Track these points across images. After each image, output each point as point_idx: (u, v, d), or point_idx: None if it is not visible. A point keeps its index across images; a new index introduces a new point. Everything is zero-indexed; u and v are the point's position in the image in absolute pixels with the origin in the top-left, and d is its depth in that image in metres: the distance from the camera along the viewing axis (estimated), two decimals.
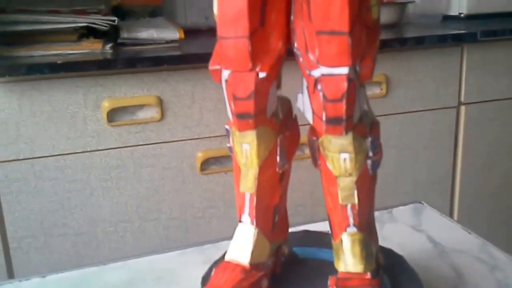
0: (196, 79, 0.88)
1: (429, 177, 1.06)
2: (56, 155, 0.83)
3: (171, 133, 0.88)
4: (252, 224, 0.32)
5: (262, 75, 0.28)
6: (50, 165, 0.83)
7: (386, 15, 1.11)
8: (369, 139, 0.30)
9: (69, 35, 0.88)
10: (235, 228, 0.33)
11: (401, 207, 0.52)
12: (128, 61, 0.81)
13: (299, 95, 0.30)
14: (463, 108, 1.04)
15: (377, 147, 0.31)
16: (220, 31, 0.28)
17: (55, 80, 0.80)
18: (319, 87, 0.28)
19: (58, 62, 0.77)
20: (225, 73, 0.29)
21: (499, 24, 1.12)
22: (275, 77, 0.29)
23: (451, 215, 1.11)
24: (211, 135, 0.91)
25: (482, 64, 1.03)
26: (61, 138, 0.83)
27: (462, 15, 1.22)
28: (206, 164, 0.91)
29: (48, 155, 0.83)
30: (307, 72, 0.28)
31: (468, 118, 1.05)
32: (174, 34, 0.95)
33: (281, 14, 0.29)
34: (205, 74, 0.88)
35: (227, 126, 0.32)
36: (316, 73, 0.28)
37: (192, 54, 0.85)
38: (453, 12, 1.23)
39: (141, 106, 0.86)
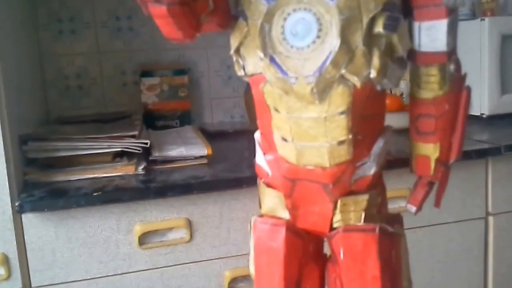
0: (224, 201, 0.90)
1: None
2: (89, 279, 0.86)
3: (199, 253, 0.90)
4: None
5: None
6: None
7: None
8: None
9: (104, 156, 0.93)
10: None
11: None
12: (159, 190, 0.84)
13: None
14: (491, 218, 1.04)
15: None
16: None
17: (90, 207, 0.84)
18: None
19: (94, 194, 0.81)
20: None
21: None
22: None
23: None
24: (239, 254, 0.92)
25: (508, 175, 1.03)
26: (94, 262, 0.86)
27: (484, 116, 1.23)
28: (234, 282, 0.92)
29: (81, 279, 0.85)
30: None
31: (497, 229, 1.04)
32: (203, 151, 0.99)
33: None
34: (232, 196, 0.90)
35: None
36: None
37: (219, 180, 0.88)
38: (475, 112, 1.25)
39: (170, 228, 0.88)
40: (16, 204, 0.79)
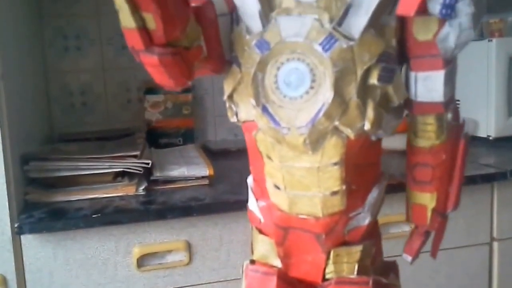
0: (224, 223, 0.89)
1: None
2: None
3: (198, 276, 0.89)
4: None
5: None
6: None
7: None
8: None
9: (105, 176, 0.93)
10: None
11: None
12: (159, 212, 0.83)
13: None
14: (496, 244, 1.02)
15: None
16: None
17: (89, 229, 0.84)
18: None
19: (93, 216, 0.81)
20: None
21: None
22: None
23: None
24: (238, 277, 0.91)
25: None
26: (92, 285, 0.85)
27: (490, 138, 1.22)
28: None
29: None
30: None
31: (502, 254, 1.02)
32: (204, 171, 0.98)
33: None
34: (232, 218, 0.90)
35: None
36: None
37: (220, 202, 0.87)
38: (482, 134, 1.23)
39: (169, 251, 0.88)
40: (15, 225, 0.78)
